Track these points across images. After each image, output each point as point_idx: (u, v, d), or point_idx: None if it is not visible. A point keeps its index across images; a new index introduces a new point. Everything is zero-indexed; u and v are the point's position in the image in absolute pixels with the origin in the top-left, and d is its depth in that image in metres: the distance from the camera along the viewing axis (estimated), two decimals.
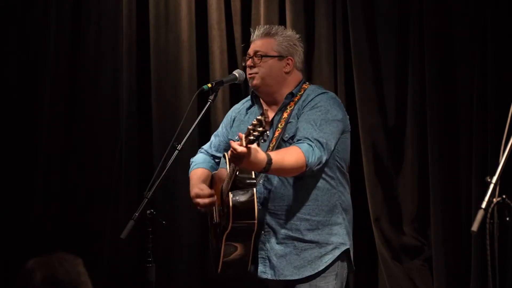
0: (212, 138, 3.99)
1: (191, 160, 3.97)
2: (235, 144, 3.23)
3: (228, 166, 3.62)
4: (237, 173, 3.46)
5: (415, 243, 5.06)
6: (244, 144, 3.19)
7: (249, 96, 3.89)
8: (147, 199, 3.53)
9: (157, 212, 3.59)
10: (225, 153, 3.74)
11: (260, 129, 3.12)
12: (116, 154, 5.70)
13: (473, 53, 4.78)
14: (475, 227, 2.57)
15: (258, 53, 3.71)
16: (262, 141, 3.17)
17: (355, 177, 5.10)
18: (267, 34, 3.74)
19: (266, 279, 3.68)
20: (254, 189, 3.53)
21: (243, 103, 3.92)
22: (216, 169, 3.90)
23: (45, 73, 5.73)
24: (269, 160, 3.34)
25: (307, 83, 3.78)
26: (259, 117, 3.13)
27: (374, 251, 5.08)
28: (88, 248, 5.53)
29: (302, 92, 3.72)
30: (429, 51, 4.87)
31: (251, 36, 3.81)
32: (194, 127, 3.71)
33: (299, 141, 3.52)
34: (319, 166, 3.52)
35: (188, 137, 3.69)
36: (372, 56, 5.09)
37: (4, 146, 5.70)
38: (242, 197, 3.52)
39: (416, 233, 5.06)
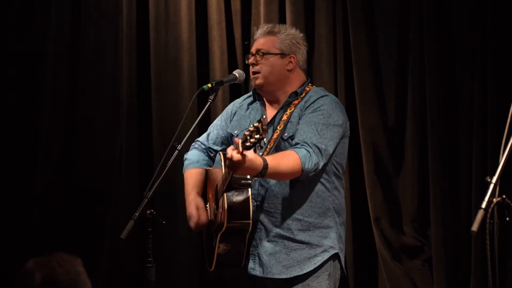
0: (210, 130, 3.95)
1: (185, 156, 3.95)
2: (231, 152, 3.25)
3: (223, 165, 3.62)
4: (232, 175, 3.47)
5: (415, 243, 5.06)
6: (240, 150, 3.21)
7: (251, 92, 3.87)
8: (147, 199, 3.53)
9: (157, 212, 3.59)
10: (220, 152, 3.74)
11: (257, 136, 3.15)
12: (116, 154, 5.70)
13: (473, 53, 4.78)
14: (475, 227, 2.57)
15: (260, 51, 3.71)
16: (259, 147, 3.19)
17: (355, 177, 5.11)
18: (269, 32, 3.73)
19: (262, 278, 3.69)
20: (249, 189, 3.55)
21: (245, 99, 3.90)
22: (211, 165, 3.90)
23: (45, 73, 5.73)
24: (265, 165, 3.36)
25: (310, 84, 3.77)
26: (256, 124, 3.15)
27: (374, 251, 5.08)
28: (88, 248, 5.53)
29: (304, 94, 3.71)
30: (429, 51, 4.87)
31: (255, 35, 3.80)
32: (194, 127, 3.71)
33: (297, 145, 3.53)
34: (315, 172, 3.54)
35: (188, 137, 3.69)
36: (372, 56, 5.09)
37: (4, 145, 5.70)
38: (237, 198, 3.54)
39: (416, 233, 5.06)
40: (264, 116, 3.73)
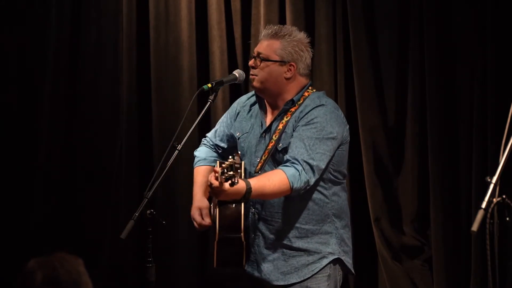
0: (217, 126, 3.96)
1: (194, 153, 3.97)
2: (212, 179, 3.28)
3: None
4: None
5: (415, 243, 5.06)
6: (219, 180, 3.24)
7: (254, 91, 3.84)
8: (147, 199, 3.53)
9: (157, 212, 3.59)
10: (219, 160, 3.74)
11: (231, 172, 3.18)
12: (116, 154, 5.71)
13: (473, 53, 4.79)
14: (475, 227, 2.57)
15: (260, 55, 3.65)
16: (236, 181, 3.21)
17: (355, 177, 5.11)
18: (274, 36, 3.65)
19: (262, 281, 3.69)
20: (242, 204, 3.54)
21: (249, 97, 3.87)
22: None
23: (45, 73, 5.73)
24: (249, 189, 3.36)
25: (309, 89, 3.69)
26: (230, 160, 3.18)
27: (374, 251, 5.09)
28: (88, 248, 5.53)
29: (302, 101, 3.65)
30: (429, 51, 4.87)
31: (261, 34, 3.75)
32: (194, 127, 3.71)
33: (287, 163, 3.49)
34: (306, 189, 3.51)
35: (188, 137, 3.69)
36: (372, 56, 5.09)
37: (4, 145, 5.70)
38: (229, 212, 3.55)
39: (416, 233, 5.06)
40: (262, 124, 3.72)
